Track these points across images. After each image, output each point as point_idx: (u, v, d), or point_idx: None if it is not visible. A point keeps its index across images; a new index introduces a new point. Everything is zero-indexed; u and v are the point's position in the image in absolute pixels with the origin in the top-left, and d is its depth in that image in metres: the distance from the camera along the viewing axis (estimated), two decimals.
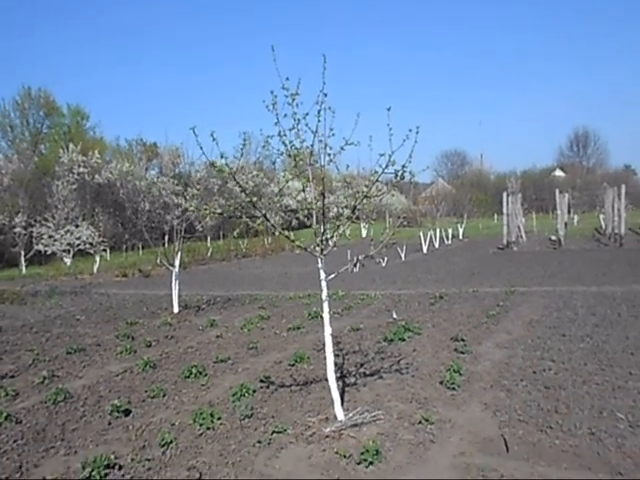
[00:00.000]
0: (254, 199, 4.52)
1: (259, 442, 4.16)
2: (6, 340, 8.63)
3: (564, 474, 3.53)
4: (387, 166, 4.40)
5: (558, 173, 66.98)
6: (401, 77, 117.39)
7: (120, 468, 3.82)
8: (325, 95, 4.30)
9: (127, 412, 4.97)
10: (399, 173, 4.45)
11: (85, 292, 14.96)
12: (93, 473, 3.69)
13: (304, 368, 6.18)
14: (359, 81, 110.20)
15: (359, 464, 3.74)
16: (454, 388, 5.20)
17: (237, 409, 4.86)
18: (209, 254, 25.65)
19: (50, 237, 24.05)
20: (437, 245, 25.75)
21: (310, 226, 4.58)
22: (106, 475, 3.71)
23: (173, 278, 10.72)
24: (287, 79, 4.29)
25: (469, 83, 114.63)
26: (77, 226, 25.02)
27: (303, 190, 4.68)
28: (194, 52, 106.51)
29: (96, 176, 31.78)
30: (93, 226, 25.89)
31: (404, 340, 7.19)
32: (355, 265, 5.27)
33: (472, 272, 15.26)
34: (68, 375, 6.42)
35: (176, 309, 10.57)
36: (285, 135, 4.40)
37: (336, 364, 4.77)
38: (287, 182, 5.76)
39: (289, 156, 4.52)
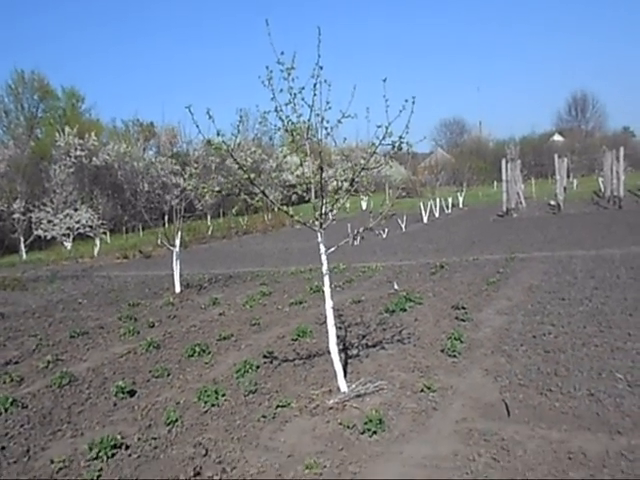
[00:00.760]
0: (252, 176, 4.47)
1: (264, 417, 4.21)
2: (9, 326, 8.69)
3: (564, 435, 3.58)
4: (384, 138, 4.36)
5: (557, 138, 66.26)
6: (398, 46, 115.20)
7: (127, 448, 3.89)
8: (321, 68, 4.23)
9: (132, 393, 5.04)
10: (396, 144, 4.40)
11: (86, 275, 15.02)
12: (100, 454, 3.75)
13: (307, 342, 6.23)
14: (355, 52, 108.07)
15: (363, 434, 3.79)
16: (455, 356, 5.24)
17: (241, 385, 4.92)
18: (209, 232, 25.63)
19: (49, 222, 23.99)
20: (437, 215, 25.68)
21: (309, 200, 4.54)
22: (113, 455, 3.77)
23: (174, 258, 10.72)
24: (282, 53, 4.21)
25: (466, 50, 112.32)
26: (76, 210, 24.94)
27: (301, 165, 4.63)
28: (188, 30, 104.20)
29: (93, 159, 31.52)
30: (92, 209, 25.79)
31: (405, 310, 7.22)
32: (355, 238, 5.26)
33: (472, 240, 15.25)
34: (72, 358, 6.49)
35: (178, 289, 10.61)
36: (282, 110, 4.35)
37: (338, 337, 4.79)
38: (285, 157, 5.70)
39: (286, 131, 4.46)
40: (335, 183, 4.83)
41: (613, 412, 3.85)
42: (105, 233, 25.93)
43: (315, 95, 4.24)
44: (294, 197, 35.33)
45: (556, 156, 25.68)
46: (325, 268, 4.62)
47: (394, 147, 4.46)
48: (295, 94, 4.29)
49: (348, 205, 25.52)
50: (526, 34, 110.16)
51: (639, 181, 31.81)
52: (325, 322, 4.71)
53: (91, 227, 23.76)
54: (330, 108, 4.32)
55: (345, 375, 4.66)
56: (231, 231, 25.86)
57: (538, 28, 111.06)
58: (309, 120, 4.34)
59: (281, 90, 4.28)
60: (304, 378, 5.03)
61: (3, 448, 4.08)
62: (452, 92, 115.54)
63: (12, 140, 32.25)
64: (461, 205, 30.80)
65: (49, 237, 24.00)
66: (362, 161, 4.53)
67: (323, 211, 4.47)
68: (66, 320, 8.85)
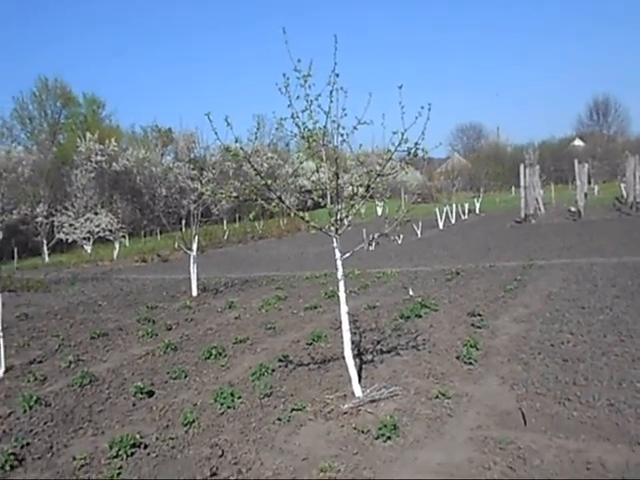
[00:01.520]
0: (269, 182, 4.54)
1: (279, 419, 4.26)
2: (33, 326, 8.91)
3: (582, 445, 3.54)
4: (400, 144, 4.37)
5: (577, 143, 65.18)
6: (416, 52, 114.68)
7: (145, 447, 3.96)
8: (337, 75, 4.27)
9: (150, 393, 5.13)
10: (412, 150, 4.42)
11: (106, 278, 15.30)
12: (120, 452, 3.84)
13: (321, 347, 6.26)
14: (371, 60, 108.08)
15: (377, 439, 3.80)
16: (471, 363, 5.22)
17: (257, 388, 4.96)
18: (226, 237, 25.88)
19: (71, 225, 24.52)
20: (453, 220, 25.49)
21: (325, 206, 4.59)
22: (132, 454, 3.86)
23: (191, 262, 10.87)
24: (299, 61, 4.26)
25: (484, 54, 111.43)
26: (96, 214, 25.44)
27: (317, 171, 4.68)
28: (206, 37, 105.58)
29: (113, 164, 32.11)
30: (112, 213, 26.27)
31: (420, 316, 7.21)
32: (370, 243, 5.27)
33: (489, 247, 15.11)
34: (93, 359, 6.63)
35: (195, 292, 10.74)
36: (298, 117, 4.39)
37: (353, 342, 4.82)
38: (301, 163, 5.75)
39: (303, 138, 4.51)
40: (350, 189, 4.87)
41: (634, 423, 3.78)
42: (124, 237, 26.37)
43: (331, 102, 4.29)
44: (309, 202, 35.47)
45: (576, 161, 25.32)
46: (340, 273, 4.66)
47: (410, 153, 4.49)
48: (312, 101, 4.34)
49: (363, 211, 25.49)
50: (546, 37, 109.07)
51: None
52: (340, 327, 4.74)
53: (111, 231, 24.21)
54: (346, 115, 4.37)
55: (360, 380, 4.68)
56: (247, 236, 26.07)
57: (558, 31, 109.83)
58: (325, 127, 4.39)
59: (298, 97, 4.34)
60: (319, 382, 5.06)
61: (28, 444, 4.20)
62: (470, 97, 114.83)
63: (36, 145, 33.06)
64: (478, 211, 30.52)
65: (70, 240, 24.52)
66: (378, 167, 4.55)
67: (339, 217, 4.51)
68: (87, 321, 9.04)
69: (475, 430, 3.87)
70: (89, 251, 23.74)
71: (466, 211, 28.43)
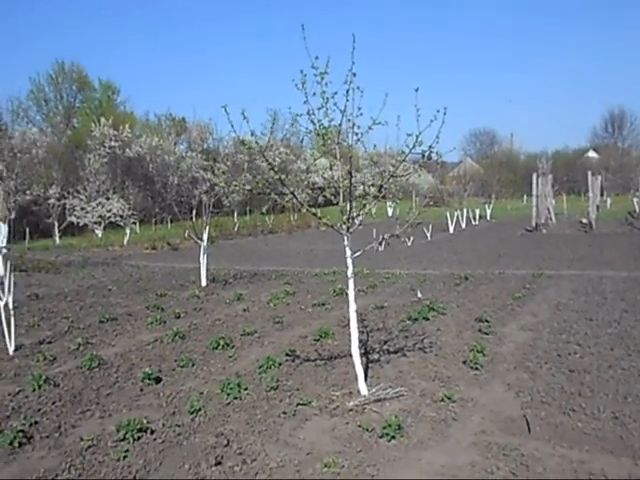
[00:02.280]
0: (282, 176, 4.57)
1: (284, 413, 4.30)
2: (43, 307, 9.03)
3: (586, 456, 3.54)
4: (414, 146, 4.38)
5: (591, 154, 64.58)
6: (431, 56, 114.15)
7: (152, 432, 4.02)
8: (354, 75, 4.29)
9: (158, 380, 5.19)
10: (426, 154, 4.43)
11: (116, 263, 15.43)
12: (127, 436, 3.90)
13: (329, 343, 6.29)
14: (386, 61, 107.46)
15: (381, 438, 3.83)
16: (477, 368, 5.23)
17: (263, 381, 5.01)
18: (236, 229, 25.95)
19: (82, 209, 24.75)
20: (464, 225, 25.40)
21: (336, 203, 4.61)
22: (139, 438, 3.91)
23: (201, 252, 10.93)
24: (317, 58, 4.28)
25: (499, 61, 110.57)
26: (108, 199, 25.64)
27: (330, 168, 4.71)
28: (223, 27, 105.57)
29: (126, 150, 32.27)
30: (123, 199, 26.46)
31: (428, 319, 7.22)
32: (381, 244, 5.30)
33: (499, 254, 15.06)
34: (101, 343, 6.71)
35: (204, 282, 10.81)
36: (314, 114, 4.41)
37: (360, 341, 4.85)
38: (315, 160, 5.77)
39: (317, 135, 4.53)
40: (362, 188, 4.89)
41: (638, 437, 3.78)
42: (135, 223, 26.52)
43: (347, 101, 4.31)
44: (320, 199, 35.47)
45: (590, 173, 25.11)
46: (350, 272, 4.69)
47: (424, 156, 4.50)
48: (328, 99, 4.36)
49: (374, 211, 25.46)
50: (562, 47, 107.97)
51: None
52: (347, 325, 4.77)
53: (122, 217, 24.39)
54: (362, 114, 4.38)
55: (366, 379, 4.71)
56: (257, 229, 26.14)
57: (575, 41, 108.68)
58: (340, 125, 4.41)
59: (314, 94, 4.36)
60: (325, 378, 5.09)
61: (36, 423, 4.27)
62: (483, 103, 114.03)
63: (50, 128, 33.32)
64: (489, 217, 30.36)
65: (81, 224, 24.75)
66: (391, 168, 4.57)
67: (351, 215, 4.54)
68: (96, 305, 9.14)
69: (479, 435, 3.89)
70: (100, 235, 23.93)
71: (477, 217, 28.30)
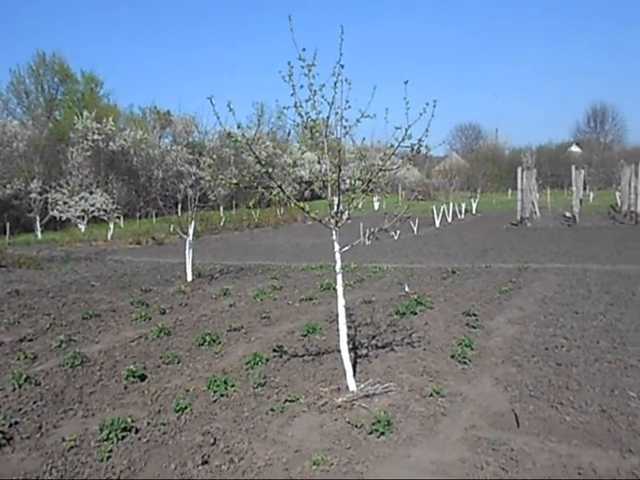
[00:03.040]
0: (270, 170, 4.49)
1: (272, 410, 4.24)
2: (24, 304, 8.82)
3: (574, 450, 3.55)
4: (403, 139, 4.33)
5: (574, 149, 65.52)
6: (416, 50, 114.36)
7: (137, 431, 3.93)
8: (342, 67, 4.21)
9: (143, 377, 5.09)
10: (415, 147, 4.38)
11: (99, 258, 15.18)
12: (111, 435, 3.80)
13: (316, 339, 6.24)
14: (374, 54, 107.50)
15: (370, 434, 3.80)
16: (465, 362, 5.22)
17: (250, 377, 4.94)
18: (222, 223, 25.75)
19: (65, 203, 24.34)
20: (450, 219, 25.55)
21: (322, 197, 4.55)
22: (123, 438, 3.82)
23: (187, 246, 10.79)
24: (304, 50, 4.19)
25: (485, 56, 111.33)
26: (91, 193, 25.24)
27: (319, 162, 4.63)
28: (208, 22, 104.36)
29: (110, 143, 31.80)
30: (107, 193, 26.08)
31: (416, 314, 7.20)
32: (369, 238, 5.25)
33: (485, 247, 15.15)
34: (85, 339, 6.56)
35: (190, 277, 10.68)
36: (301, 106, 4.33)
37: (348, 336, 4.79)
38: (303, 154, 5.69)
39: (305, 128, 4.45)
40: (350, 181, 4.83)
41: (625, 430, 3.80)
42: (119, 217, 26.18)
43: (335, 93, 4.24)
44: (307, 193, 35.31)
45: (573, 167, 25.40)
46: (339, 266, 4.63)
47: (413, 149, 4.45)
48: (315, 91, 4.29)
49: (360, 205, 25.49)
50: (547, 43, 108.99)
51: None
52: (335, 320, 4.74)
53: (105, 211, 24.04)
54: (350, 107, 4.32)
55: (354, 374, 4.66)
56: (243, 223, 25.98)
57: (559, 37, 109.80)
58: (328, 118, 4.34)
59: (301, 86, 4.29)
60: (313, 374, 5.04)
61: (16, 423, 4.14)
62: (469, 97, 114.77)
63: (31, 121, 32.60)
64: (474, 211, 30.60)
65: (64, 218, 24.34)
66: (380, 162, 4.51)
67: (339, 209, 4.48)
68: (79, 301, 8.96)
69: (468, 430, 3.87)
70: (83, 230, 23.56)
71: (462, 210, 28.50)
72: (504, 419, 4.03)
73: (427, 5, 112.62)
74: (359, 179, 4.66)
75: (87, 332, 6.91)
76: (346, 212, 4.57)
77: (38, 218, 25.74)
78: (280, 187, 4.66)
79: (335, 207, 4.46)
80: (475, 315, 6.99)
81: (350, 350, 5.12)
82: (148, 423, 4.08)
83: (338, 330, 4.69)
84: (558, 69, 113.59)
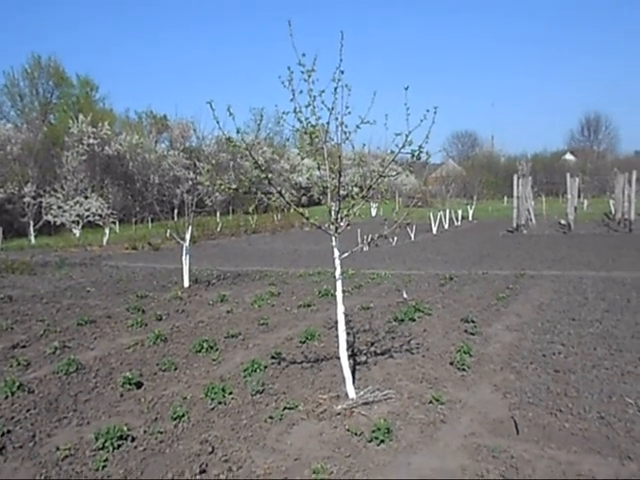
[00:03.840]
0: (270, 175, 4.49)
1: (271, 417, 4.19)
2: (17, 310, 8.72)
3: (573, 457, 3.54)
4: (404, 146, 4.34)
5: (569, 157, 66.06)
6: (412, 57, 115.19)
7: (133, 440, 3.87)
8: (342, 72, 4.21)
9: (139, 385, 5.02)
10: (416, 153, 4.38)
11: (95, 264, 15.08)
12: (106, 444, 3.73)
13: (315, 345, 6.20)
14: (368, 61, 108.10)
15: (370, 442, 3.76)
16: (464, 369, 5.20)
17: (248, 384, 4.89)
18: (219, 229, 25.67)
19: (59, 208, 24.19)
20: (447, 226, 25.62)
21: (320, 203, 4.54)
22: (119, 446, 3.76)
23: (184, 252, 10.73)
24: (303, 55, 4.20)
25: (481, 65, 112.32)
26: (86, 197, 25.13)
27: (318, 168, 4.63)
28: (206, 26, 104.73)
29: (105, 148, 31.70)
30: (102, 198, 25.98)
31: (414, 320, 7.19)
32: (369, 244, 5.25)
33: (482, 254, 15.19)
34: (79, 346, 6.48)
35: (186, 283, 10.62)
36: (301, 112, 4.32)
37: (347, 342, 4.76)
38: (302, 159, 5.68)
39: (305, 133, 4.45)
40: (350, 187, 4.83)
41: (623, 437, 3.80)
42: (114, 223, 26.07)
43: (335, 99, 4.24)
44: (304, 199, 35.38)
45: (568, 175, 25.58)
46: (338, 273, 4.61)
47: (413, 156, 4.46)
48: (315, 96, 4.29)
49: (358, 212, 25.50)
50: (543, 52, 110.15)
51: None
52: (334, 326, 4.72)
53: (101, 216, 23.93)
54: (349, 113, 4.32)
55: (353, 381, 4.63)
56: (240, 229, 25.92)
57: (555, 47, 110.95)
58: (328, 123, 4.34)
59: (301, 91, 4.29)
60: (312, 382, 5.00)
61: (9, 432, 4.07)
62: (465, 105, 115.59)
63: (26, 124, 32.46)
64: (471, 218, 30.72)
65: (58, 223, 24.19)
66: (380, 168, 4.51)
67: (339, 215, 4.47)
68: (74, 307, 8.87)
69: (468, 437, 3.85)
70: (77, 235, 23.42)
71: (459, 217, 28.60)
72: (503, 426, 4.01)
73: (425, 13, 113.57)
74: (357, 185, 4.65)
75: (82, 339, 6.83)
76: (346, 218, 4.56)
77: (32, 223, 25.56)
78: (280, 193, 4.66)
79: (335, 213, 4.45)
80: (473, 322, 6.99)
81: (349, 357, 5.08)
82: (145, 431, 4.03)
83: (337, 337, 4.66)
84: (553, 77, 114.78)
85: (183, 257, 10.72)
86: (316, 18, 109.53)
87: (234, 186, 4.79)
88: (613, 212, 28.25)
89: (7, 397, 4.74)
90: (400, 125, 4.27)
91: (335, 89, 4.22)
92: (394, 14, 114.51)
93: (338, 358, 4.65)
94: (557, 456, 3.56)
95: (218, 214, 33.95)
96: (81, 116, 31.47)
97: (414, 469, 3.44)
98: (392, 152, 4.42)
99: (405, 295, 8.76)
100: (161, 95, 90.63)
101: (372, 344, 6.15)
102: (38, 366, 5.73)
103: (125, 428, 3.91)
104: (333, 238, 4.57)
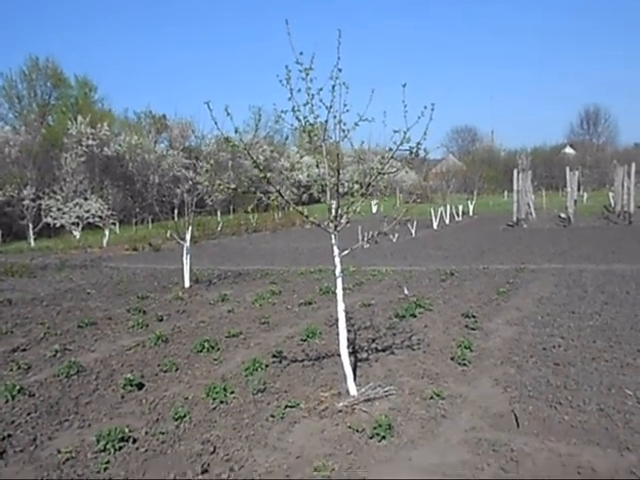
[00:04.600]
0: (268, 175, 4.49)
1: (272, 416, 4.21)
2: (17, 313, 8.71)
3: (573, 449, 3.56)
4: (402, 143, 4.34)
5: (568, 150, 65.95)
6: (411, 52, 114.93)
7: (135, 441, 3.87)
8: (340, 70, 4.22)
9: (140, 386, 5.03)
10: (414, 150, 4.38)
11: (95, 266, 15.08)
12: (108, 446, 3.73)
13: (316, 343, 6.21)
14: (366, 58, 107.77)
15: (372, 438, 3.78)
16: (465, 364, 5.22)
17: (250, 383, 4.90)
18: (219, 228, 25.65)
19: (59, 210, 24.15)
20: (447, 221, 25.62)
21: (320, 201, 4.54)
22: (121, 448, 3.76)
23: (184, 252, 10.73)
24: (301, 53, 4.20)
25: (480, 59, 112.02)
26: (86, 199, 25.10)
27: (317, 166, 4.63)
28: (204, 25, 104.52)
29: (105, 149, 31.65)
30: (102, 199, 25.95)
31: (415, 316, 7.20)
32: (369, 241, 5.25)
33: (482, 249, 15.19)
34: (80, 349, 6.48)
35: (187, 283, 10.62)
36: (299, 110, 4.33)
37: (348, 339, 4.77)
38: (302, 158, 5.68)
39: (303, 131, 4.45)
40: (349, 185, 4.83)
41: (622, 428, 3.81)
42: (114, 224, 26.06)
43: (334, 97, 4.25)
44: (304, 197, 35.36)
45: (568, 169, 25.54)
46: (338, 270, 4.62)
47: (412, 153, 4.46)
48: (313, 95, 4.29)
49: (358, 209, 25.51)
50: (541, 46, 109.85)
51: None
52: (334, 324, 4.72)
53: (100, 217, 23.90)
54: (348, 111, 4.32)
55: (354, 378, 4.64)
56: (241, 228, 25.91)
57: (554, 40, 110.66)
58: (326, 121, 4.34)
59: (299, 90, 4.29)
60: (313, 379, 5.02)
61: (10, 436, 4.07)
62: (465, 100, 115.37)
63: (24, 126, 32.38)
64: (471, 213, 30.71)
65: (58, 225, 24.16)
66: (379, 165, 4.51)
67: (338, 213, 4.47)
68: (74, 309, 8.88)
69: (469, 431, 3.86)
70: (77, 237, 23.41)
71: (460, 212, 28.58)
72: (504, 420, 4.03)
73: (423, 5, 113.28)
74: (357, 182, 4.65)
75: (83, 341, 6.84)
76: (345, 216, 4.56)
77: (31, 225, 25.53)
78: (279, 192, 4.66)
79: (334, 211, 4.45)
80: (474, 317, 7.00)
81: (350, 354, 5.10)
82: (146, 432, 4.03)
83: (338, 334, 4.67)
84: (552, 71, 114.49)
85: (184, 257, 10.72)
86: (314, 13, 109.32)
87: (233, 186, 4.81)
88: (613, 205, 28.23)
89: (7, 401, 4.73)
90: (399, 121, 4.29)
91: (333, 87, 4.24)
92: (391, 7, 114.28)
93: (339, 355, 4.66)
94: (557, 448, 3.58)
95: (219, 213, 33.95)
96: (80, 117, 31.40)
97: (415, 464, 3.46)
98: (391, 149, 4.43)
99: (406, 291, 8.77)
100: (160, 95, 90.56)
101: (373, 341, 6.16)
102: (39, 369, 5.73)
103: (126, 429, 3.92)
104: (332, 236, 4.58)
